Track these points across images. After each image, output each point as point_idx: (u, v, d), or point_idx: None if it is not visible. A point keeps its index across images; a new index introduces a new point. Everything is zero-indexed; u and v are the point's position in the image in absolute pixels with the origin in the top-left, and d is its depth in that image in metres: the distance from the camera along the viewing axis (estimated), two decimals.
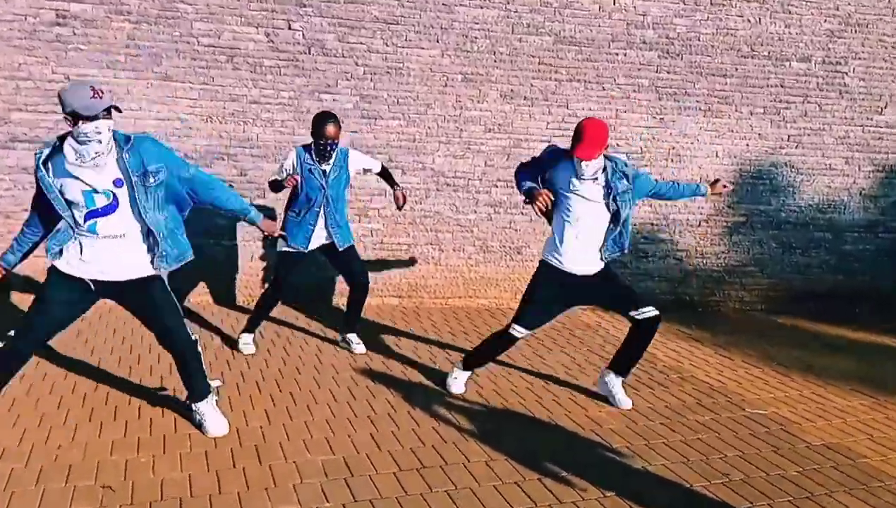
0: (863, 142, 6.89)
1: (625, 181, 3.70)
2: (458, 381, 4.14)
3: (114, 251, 3.07)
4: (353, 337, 4.85)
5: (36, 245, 3.20)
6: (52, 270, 3.11)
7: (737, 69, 6.54)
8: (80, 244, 3.05)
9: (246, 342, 4.70)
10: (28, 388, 3.82)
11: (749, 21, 6.50)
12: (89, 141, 2.88)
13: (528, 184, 3.75)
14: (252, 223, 3.45)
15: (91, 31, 5.44)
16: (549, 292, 3.87)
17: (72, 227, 3.02)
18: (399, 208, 4.71)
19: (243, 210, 3.40)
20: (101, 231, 3.03)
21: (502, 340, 4.00)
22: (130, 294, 3.20)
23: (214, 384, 3.60)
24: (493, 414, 3.88)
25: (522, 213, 6.36)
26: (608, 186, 3.68)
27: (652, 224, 6.65)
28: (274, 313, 5.46)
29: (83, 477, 2.92)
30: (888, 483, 3.27)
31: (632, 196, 3.75)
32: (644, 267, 6.67)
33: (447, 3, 5.96)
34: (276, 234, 3.56)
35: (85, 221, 3.01)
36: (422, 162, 6.13)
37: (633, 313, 3.85)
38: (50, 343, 4.51)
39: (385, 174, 4.80)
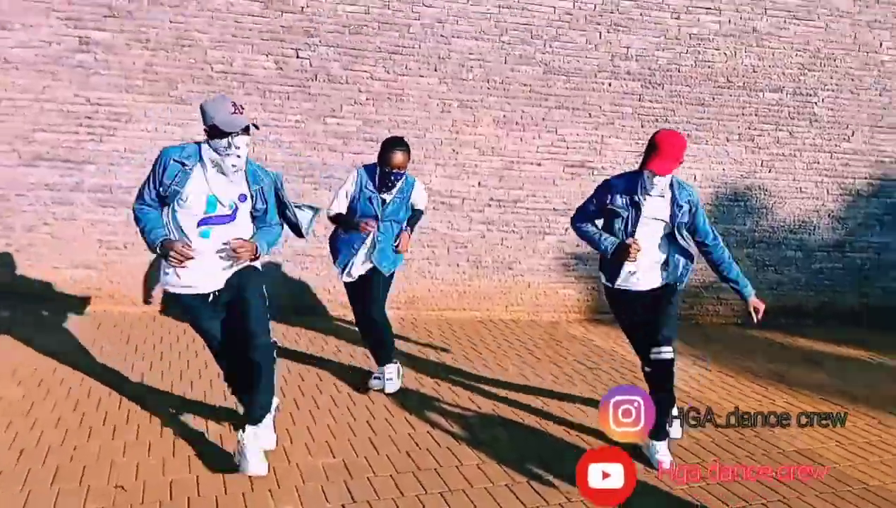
0: (831, 168, 6.94)
1: (686, 213, 3.38)
2: (667, 452, 3.37)
3: (218, 259, 2.96)
4: (386, 369, 4.13)
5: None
6: (172, 297, 3.10)
7: (714, 98, 6.59)
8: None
9: (384, 376, 4.09)
10: (46, 393, 3.79)
11: (725, 54, 6.56)
12: (228, 155, 2.86)
13: (607, 239, 3.42)
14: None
15: (111, 57, 5.46)
16: (631, 311, 3.55)
17: (175, 230, 2.91)
18: (398, 250, 4.00)
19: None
20: (213, 237, 2.93)
21: (649, 378, 3.50)
22: (230, 295, 3.04)
23: (275, 402, 3.25)
24: (486, 420, 3.86)
25: (513, 232, 6.37)
26: (673, 206, 3.36)
27: None
28: (279, 327, 5.45)
29: (97, 477, 2.90)
30: (855, 487, 3.26)
31: (687, 227, 3.43)
32: None
33: (445, 34, 6.00)
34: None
35: (198, 226, 2.92)
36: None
37: (652, 350, 3.37)
38: (69, 349, 4.52)
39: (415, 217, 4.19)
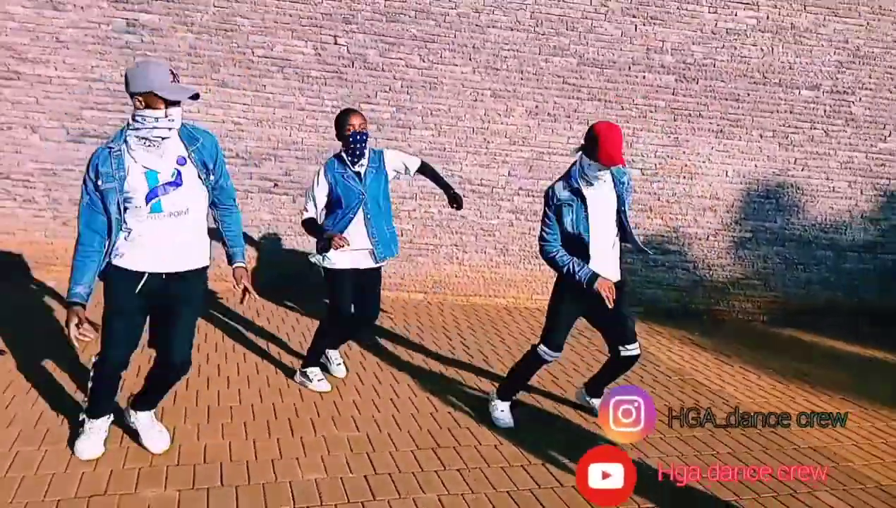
0: (866, 168, 6.85)
1: (622, 186, 3.40)
2: (505, 414, 3.64)
3: (177, 230, 2.67)
4: (334, 355, 4.13)
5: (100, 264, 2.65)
6: (114, 271, 2.68)
7: (749, 94, 6.55)
8: (139, 231, 2.64)
9: (319, 376, 3.91)
10: (90, 362, 3.98)
11: (762, 50, 6.50)
12: (157, 127, 2.55)
13: (583, 268, 3.24)
14: (230, 260, 2.92)
15: (157, 39, 5.64)
16: (573, 306, 3.45)
17: (123, 222, 2.63)
18: (457, 208, 3.77)
19: (237, 247, 2.94)
20: (166, 208, 2.63)
21: (532, 363, 3.61)
22: (175, 289, 2.74)
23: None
24: None
25: None
26: (615, 187, 3.37)
27: (661, 236, 6.69)
28: (302, 305, 5.59)
29: (134, 443, 3.07)
30: (868, 485, 3.30)
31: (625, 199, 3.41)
32: (653, 276, 6.71)
33: (480, 24, 6.06)
34: (240, 289, 2.87)
35: (147, 202, 2.60)
36: (451, 169, 6.23)
37: (620, 348, 3.49)
38: None
39: (430, 173, 3.91)
